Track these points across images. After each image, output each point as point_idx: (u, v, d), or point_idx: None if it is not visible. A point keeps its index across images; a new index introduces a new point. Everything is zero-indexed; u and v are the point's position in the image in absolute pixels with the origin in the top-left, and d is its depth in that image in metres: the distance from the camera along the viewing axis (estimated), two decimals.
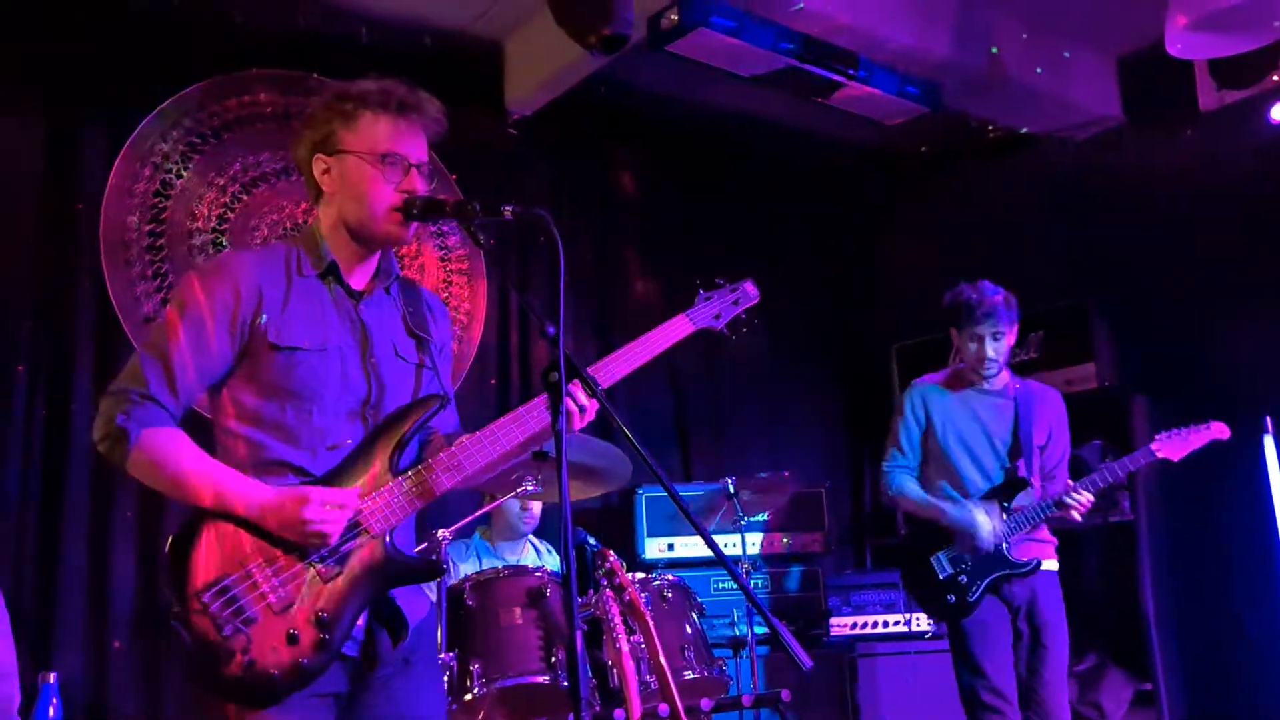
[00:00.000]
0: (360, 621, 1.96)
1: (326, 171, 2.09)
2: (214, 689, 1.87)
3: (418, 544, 2.05)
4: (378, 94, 2.08)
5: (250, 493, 1.93)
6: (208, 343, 1.99)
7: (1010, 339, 3.83)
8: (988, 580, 3.69)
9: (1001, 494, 3.77)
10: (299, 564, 1.91)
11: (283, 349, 2.00)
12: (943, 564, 3.74)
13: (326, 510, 1.90)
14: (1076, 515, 3.67)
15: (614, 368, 2.18)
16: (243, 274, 2.02)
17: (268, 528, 1.91)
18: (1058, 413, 3.93)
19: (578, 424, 2.04)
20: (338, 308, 2.09)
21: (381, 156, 2.06)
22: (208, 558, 1.89)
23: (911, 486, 3.85)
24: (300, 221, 4.48)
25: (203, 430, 2.08)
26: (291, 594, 1.90)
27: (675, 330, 2.27)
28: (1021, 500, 3.74)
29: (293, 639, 1.87)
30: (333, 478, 1.99)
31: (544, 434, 2.07)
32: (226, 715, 1.88)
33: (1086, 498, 3.64)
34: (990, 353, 3.77)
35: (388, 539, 1.99)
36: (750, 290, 2.39)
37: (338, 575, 1.93)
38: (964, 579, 3.70)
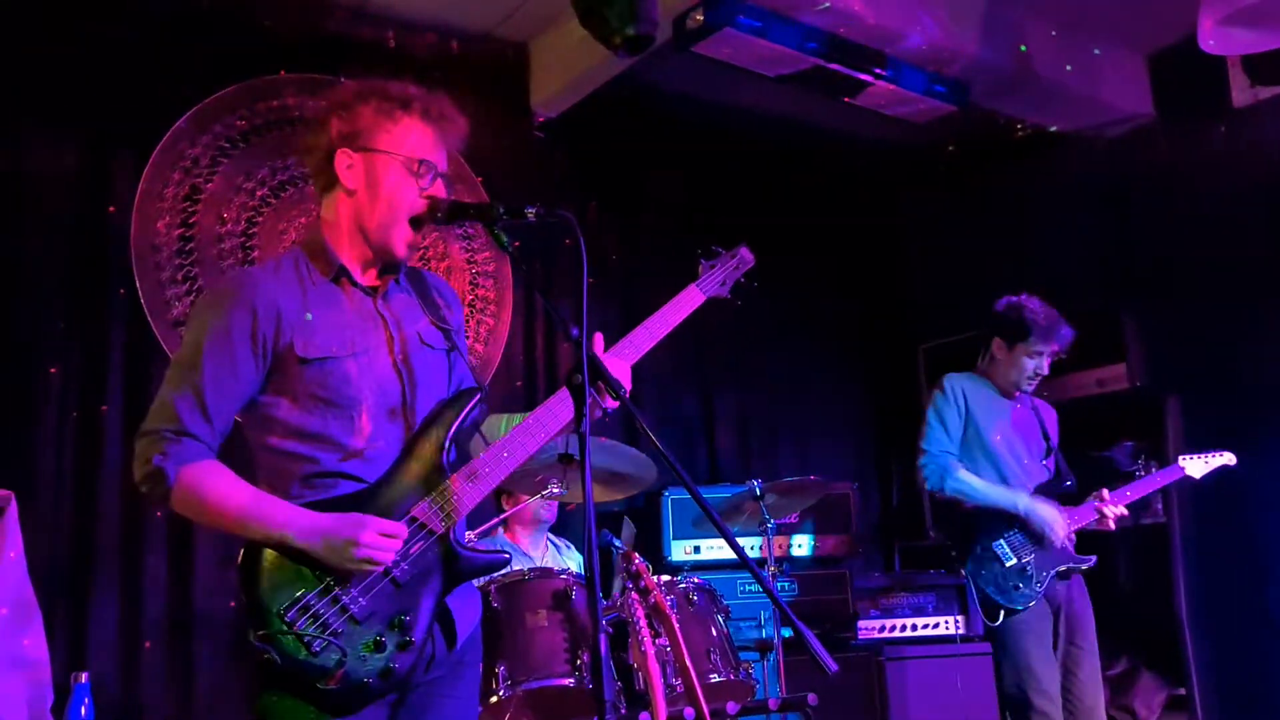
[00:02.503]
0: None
1: (350, 167, 2.08)
2: (309, 703, 1.88)
3: None
4: (422, 101, 2.10)
5: (300, 521, 1.92)
6: (234, 366, 1.98)
7: None
8: (1054, 571, 3.72)
9: (1046, 489, 3.83)
10: (374, 572, 1.93)
11: (313, 361, 2.00)
12: (1005, 550, 3.72)
13: (381, 539, 1.90)
14: (1111, 525, 3.77)
15: (638, 342, 2.22)
16: (257, 292, 2.01)
17: (318, 555, 1.90)
18: (1056, 426, 4.07)
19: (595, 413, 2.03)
20: (357, 309, 2.09)
21: (417, 163, 2.07)
22: (282, 576, 1.90)
23: (972, 477, 3.78)
24: None
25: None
26: (371, 602, 1.92)
27: (688, 302, 2.35)
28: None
29: (380, 645, 1.91)
30: (386, 482, 2.01)
31: (564, 430, 2.10)
32: None
33: (1120, 511, 3.78)
34: (1032, 373, 3.87)
35: (452, 536, 2.02)
36: (747, 255, 2.48)
37: (410, 577, 1.96)
38: (1030, 568, 3.69)
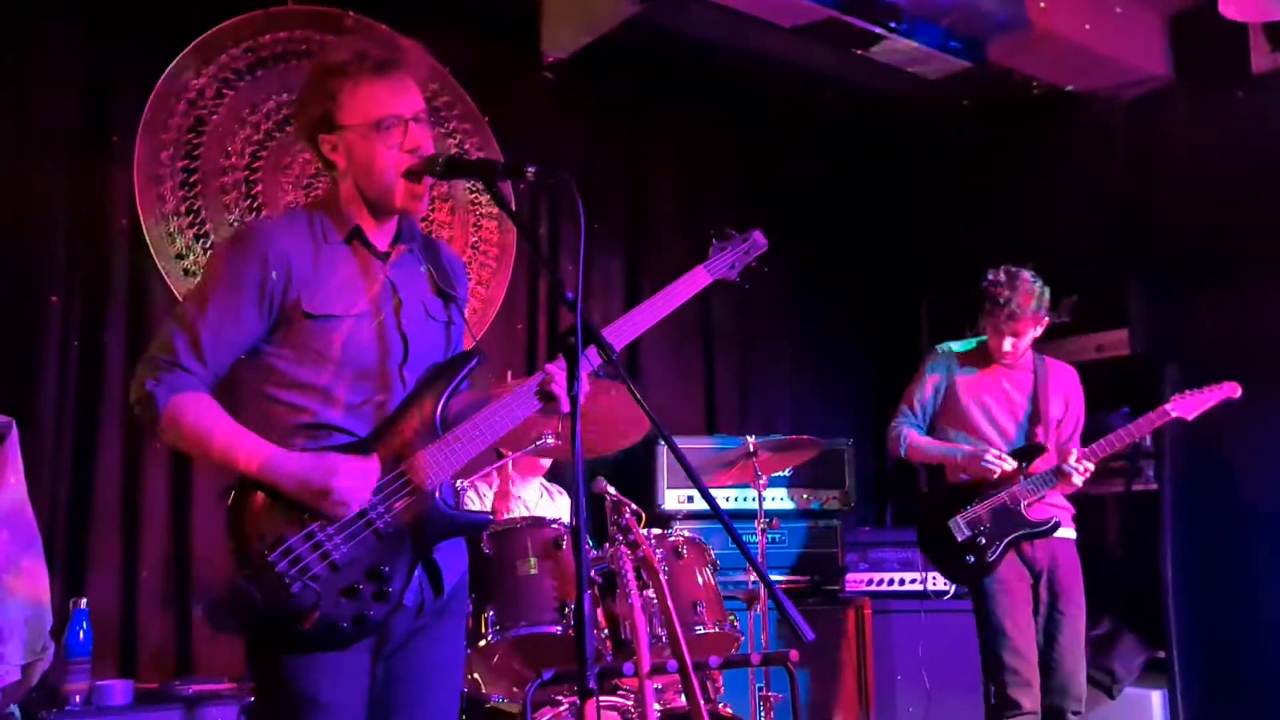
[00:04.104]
0: (416, 572, 2.05)
1: (334, 149, 2.10)
2: (282, 643, 1.95)
3: None
4: (354, 61, 2.06)
5: (277, 460, 1.96)
6: (237, 314, 2.02)
7: (1036, 333, 3.90)
8: (1006, 540, 3.77)
9: (1021, 458, 3.83)
10: (358, 521, 1.98)
11: (318, 317, 2.04)
12: (960, 527, 3.80)
13: (352, 481, 1.95)
14: (1078, 481, 3.73)
15: (638, 320, 2.24)
16: (270, 244, 2.04)
17: (291, 495, 1.95)
18: (1073, 388, 4.02)
19: (564, 407, 2.07)
20: (367, 271, 2.12)
21: (376, 124, 2.05)
22: (267, 519, 1.95)
23: (920, 435, 3.99)
24: None
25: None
26: (351, 550, 1.97)
27: (694, 282, 2.37)
28: (1039, 466, 3.81)
29: (356, 592, 1.96)
30: (377, 437, 2.05)
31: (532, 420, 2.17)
32: (281, 665, 1.97)
33: (1086, 467, 3.71)
34: (1008, 347, 3.88)
35: (437, 494, 2.05)
36: (759, 239, 2.48)
37: (393, 530, 2.00)
38: (982, 540, 3.76)
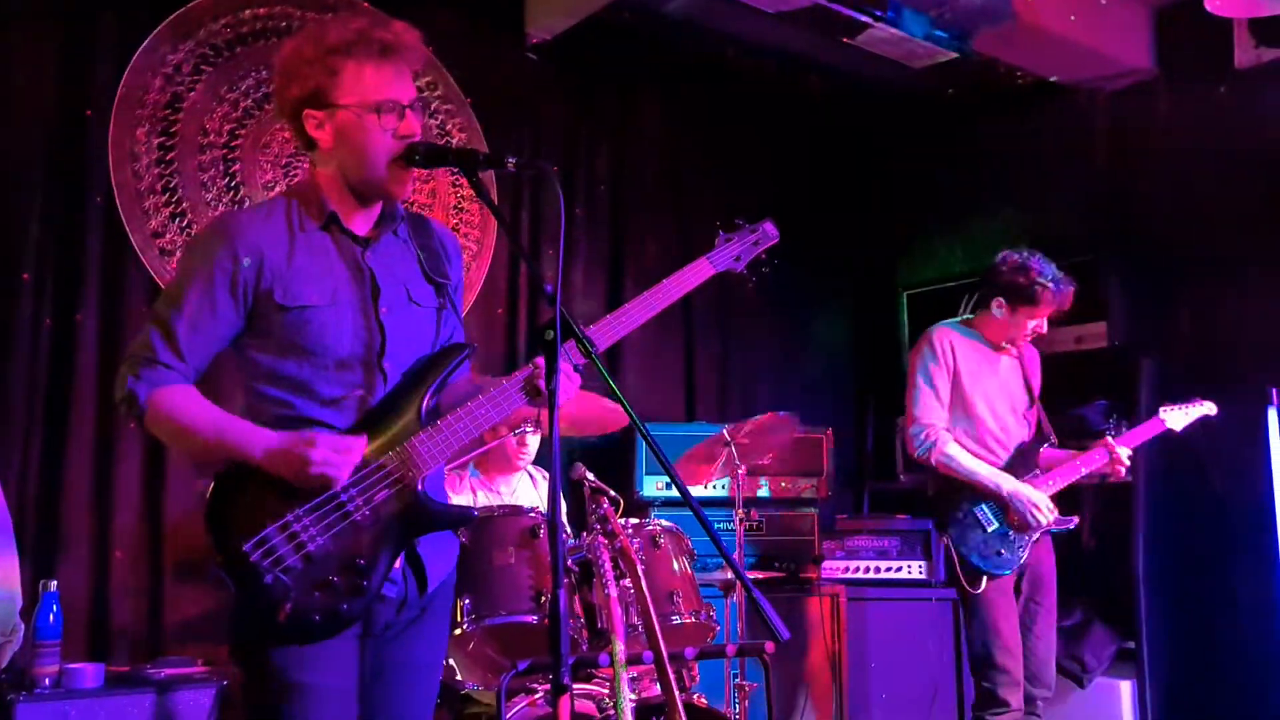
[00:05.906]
0: (397, 565, 2.02)
1: (320, 126, 2.05)
2: (259, 633, 1.95)
3: None
4: (358, 41, 2.01)
5: (256, 438, 1.95)
6: (213, 308, 2.00)
7: None
8: (1035, 536, 3.78)
9: (1029, 449, 3.88)
10: (335, 513, 1.95)
11: (291, 309, 2.01)
12: (989, 516, 3.77)
13: (332, 453, 1.92)
14: (1123, 470, 3.84)
15: (633, 314, 2.20)
16: (240, 236, 2.01)
17: (275, 472, 1.93)
18: (1039, 370, 4.10)
19: (567, 391, 2.03)
20: (343, 258, 2.08)
21: (375, 107, 2.01)
22: (246, 509, 1.94)
23: (960, 451, 3.80)
24: None
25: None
26: (329, 543, 1.94)
27: (696, 274, 2.31)
28: (1047, 456, 3.89)
29: (331, 585, 1.94)
30: (358, 430, 2.01)
31: (519, 415, 2.13)
32: (265, 654, 1.96)
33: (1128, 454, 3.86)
34: (1044, 329, 3.91)
35: (419, 487, 2.02)
36: (770, 230, 2.43)
37: (372, 523, 1.98)
38: (1012, 533, 3.77)
